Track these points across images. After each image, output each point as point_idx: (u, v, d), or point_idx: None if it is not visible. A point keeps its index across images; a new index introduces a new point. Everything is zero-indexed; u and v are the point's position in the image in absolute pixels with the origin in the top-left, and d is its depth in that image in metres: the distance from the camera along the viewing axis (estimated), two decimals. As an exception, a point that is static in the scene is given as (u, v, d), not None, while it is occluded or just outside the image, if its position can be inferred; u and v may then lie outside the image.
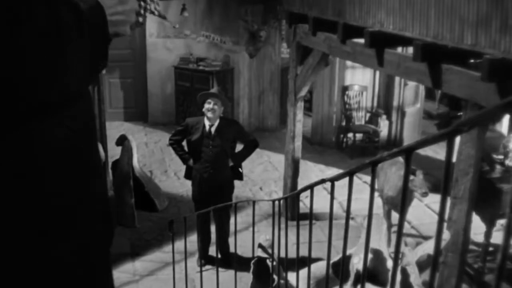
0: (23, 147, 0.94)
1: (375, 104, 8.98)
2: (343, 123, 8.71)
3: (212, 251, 5.27)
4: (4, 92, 0.86)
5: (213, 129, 5.05)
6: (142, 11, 1.26)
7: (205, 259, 5.35)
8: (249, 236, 4.31)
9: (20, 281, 0.98)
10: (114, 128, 8.71)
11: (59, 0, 0.95)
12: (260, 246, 4.45)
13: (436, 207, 2.95)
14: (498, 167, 5.05)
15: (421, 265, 3.41)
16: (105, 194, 1.19)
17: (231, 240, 5.13)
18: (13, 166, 0.93)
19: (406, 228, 5.89)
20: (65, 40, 0.93)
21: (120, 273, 5.07)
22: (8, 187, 0.93)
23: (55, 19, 0.90)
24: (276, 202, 3.81)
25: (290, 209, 5.88)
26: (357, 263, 3.30)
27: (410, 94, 8.76)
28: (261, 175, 7.76)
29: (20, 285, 0.98)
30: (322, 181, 2.42)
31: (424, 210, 6.41)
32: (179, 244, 4.68)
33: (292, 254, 3.57)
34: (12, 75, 0.86)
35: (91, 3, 1.08)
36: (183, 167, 5.47)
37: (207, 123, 5.05)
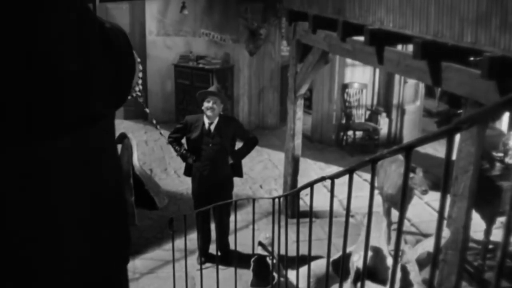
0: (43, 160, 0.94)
1: (375, 102, 8.98)
2: (343, 121, 8.71)
3: (212, 249, 5.27)
4: (26, 108, 0.86)
5: (212, 127, 5.05)
6: (136, 88, 1.26)
7: (205, 257, 5.35)
8: (249, 234, 4.31)
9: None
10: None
11: (87, 21, 0.95)
12: (260, 244, 4.46)
13: (436, 204, 2.95)
14: (498, 164, 5.05)
15: (421, 263, 3.41)
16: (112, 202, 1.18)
17: (231, 238, 5.13)
18: (31, 174, 0.93)
19: (406, 226, 5.89)
20: (90, 61, 0.92)
21: (120, 271, 5.07)
22: (17, 194, 0.93)
23: (81, 40, 0.90)
24: (276, 200, 3.81)
25: (290, 207, 5.88)
26: (357, 261, 3.30)
27: (410, 92, 8.76)
28: (261, 173, 7.76)
29: None
30: (322, 178, 2.43)
31: (424, 208, 6.41)
32: (179, 242, 4.68)
33: (292, 252, 3.58)
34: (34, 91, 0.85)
35: (118, 28, 1.07)
36: (183, 165, 5.47)
37: (206, 121, 5.05)
